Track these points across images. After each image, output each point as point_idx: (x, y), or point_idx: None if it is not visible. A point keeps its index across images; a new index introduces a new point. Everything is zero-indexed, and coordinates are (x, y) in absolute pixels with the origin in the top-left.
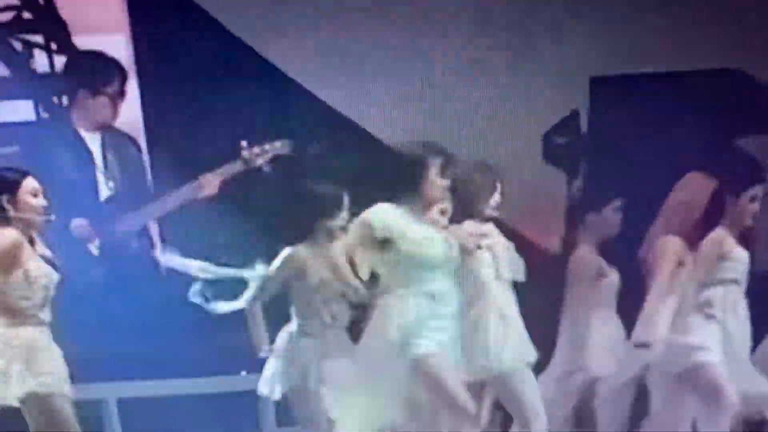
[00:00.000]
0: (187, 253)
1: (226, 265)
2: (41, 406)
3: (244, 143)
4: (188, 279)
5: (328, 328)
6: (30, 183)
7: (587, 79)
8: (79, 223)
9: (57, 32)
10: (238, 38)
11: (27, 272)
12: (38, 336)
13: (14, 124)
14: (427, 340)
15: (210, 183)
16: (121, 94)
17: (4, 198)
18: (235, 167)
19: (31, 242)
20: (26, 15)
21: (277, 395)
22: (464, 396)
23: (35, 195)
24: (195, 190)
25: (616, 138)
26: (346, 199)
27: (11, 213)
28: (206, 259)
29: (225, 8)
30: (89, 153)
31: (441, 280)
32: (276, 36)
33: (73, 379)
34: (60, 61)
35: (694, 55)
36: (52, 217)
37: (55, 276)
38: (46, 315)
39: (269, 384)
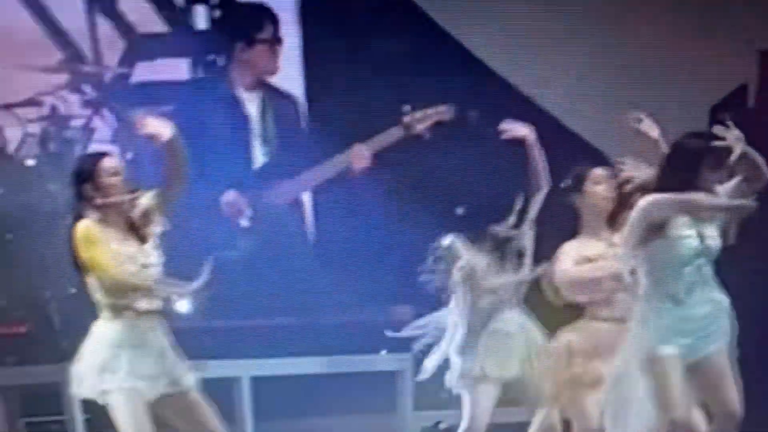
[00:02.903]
0: (342, 228)
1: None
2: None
3: (407, 107)
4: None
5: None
6: (107, 163)
7: (757, 53)
8: (229, 200)
9: None
10: None
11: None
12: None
13: (170, 83)
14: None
15: (363, 154)
16: (278, 40)
17: (89, 187)
18: (395, 134)
19: (133, 226)
20: None
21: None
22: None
23: (116, 174)
24: (348, 159)
25: None
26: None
27: (98, 200)
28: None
29: None
30: (245, 117)
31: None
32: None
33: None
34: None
35: None
36: (138, 194)
37: (146, 259)
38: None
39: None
